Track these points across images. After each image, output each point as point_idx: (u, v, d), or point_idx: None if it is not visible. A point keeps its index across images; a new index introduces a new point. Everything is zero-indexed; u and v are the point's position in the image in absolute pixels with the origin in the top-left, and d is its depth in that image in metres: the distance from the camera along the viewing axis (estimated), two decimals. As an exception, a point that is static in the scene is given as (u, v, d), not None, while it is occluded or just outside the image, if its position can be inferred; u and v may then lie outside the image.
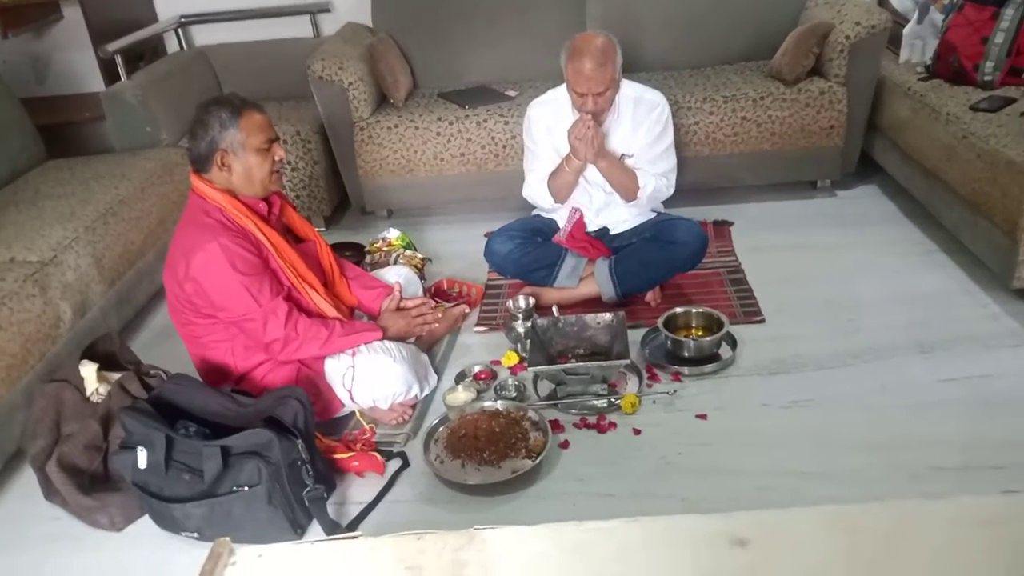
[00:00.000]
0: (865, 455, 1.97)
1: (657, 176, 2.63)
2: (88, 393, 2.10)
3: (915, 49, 3.24)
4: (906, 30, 3.23)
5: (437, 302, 2.68)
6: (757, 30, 3.50)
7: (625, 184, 2.60)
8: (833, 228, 3.12)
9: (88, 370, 2.11)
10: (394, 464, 2.08)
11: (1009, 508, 1.14)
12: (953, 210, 2.74)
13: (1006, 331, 2.38)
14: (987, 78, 2.86)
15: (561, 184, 2.63)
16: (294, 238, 2.31)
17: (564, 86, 2.56)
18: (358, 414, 2.22)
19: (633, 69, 3.39)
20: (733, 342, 2.42)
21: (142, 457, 1.85)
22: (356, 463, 2.05)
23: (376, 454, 2.07)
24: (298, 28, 3.94)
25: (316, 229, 2.44)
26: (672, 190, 2.72)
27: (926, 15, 3.20)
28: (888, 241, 2.97)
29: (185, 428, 1.86)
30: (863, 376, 2.26)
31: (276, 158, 2.10)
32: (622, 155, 2.61)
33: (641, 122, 2.60)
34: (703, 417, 2.15)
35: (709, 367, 2.33)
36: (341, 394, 2.16)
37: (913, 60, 3.24)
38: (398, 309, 2.38)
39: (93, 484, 2.00)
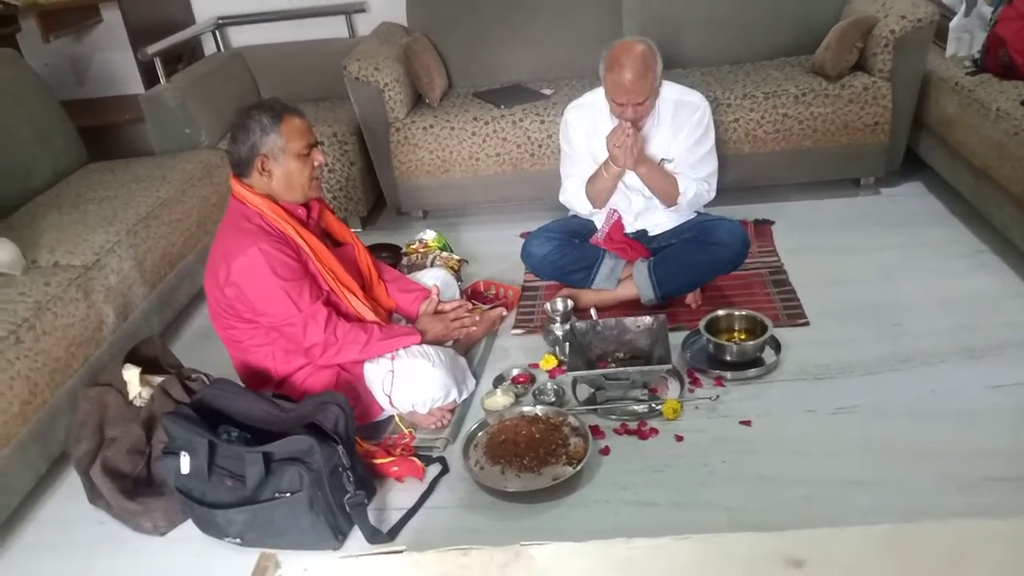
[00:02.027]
0: (913, 464, 1.92)
1: (698, 180, 2.58)
2: (131, 397, 2.12)
3: (962, 43, 3.15)
4: (953, 23, 3.15)
5: (474, 304, 2.67)
6: (798, 24, 3.43)
7: (665, 190, 2.56)
8: (877, 227, 3.05)
9: (131, 374, 2.13)
10: (433, 469, 2.07)
11: (1077, 530, 1.09)
12: (1004, 210, 2.66)
13: (1060, 336, 2.31)
14: (1039, 73, 2.78)
15: (600, 190, 2.59)
16: (332, 242, 2.31)
17: (601, 89, 2.51)
18: (397, 418, 2.21)
19: (671, 66, 3.34)
20: (777, 346, 2.37)
21: (185, 462, 1.86)
22: (396, 468, 2.04)
23: (415, 459, 2.07)
24: (334, 28, 3.94)
25: (353, 231, 2.44)
26: (713, 194, 2.67)
27: (974, 7, 3.11)
28: (935, 241, 2.89)
29: (227, 433, 1.86)
30: (910, 382, 2.20)
31: (316, 163, 2.10)
32: (662, 160, 2.57)
33: (681, 126, 2.55)
34: (747, 423, 2.12)
35: (752, 372, 2.29)
36: (380, 398, 2.16)
37: (960, 54, 3.15)
38: (436, 312, 2.38)
39: (137, 488, 2.02)
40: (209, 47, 4.06)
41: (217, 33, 3.99)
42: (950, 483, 1.85)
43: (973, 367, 2.23)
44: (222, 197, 3.01)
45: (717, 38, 3.51)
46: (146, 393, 2.12)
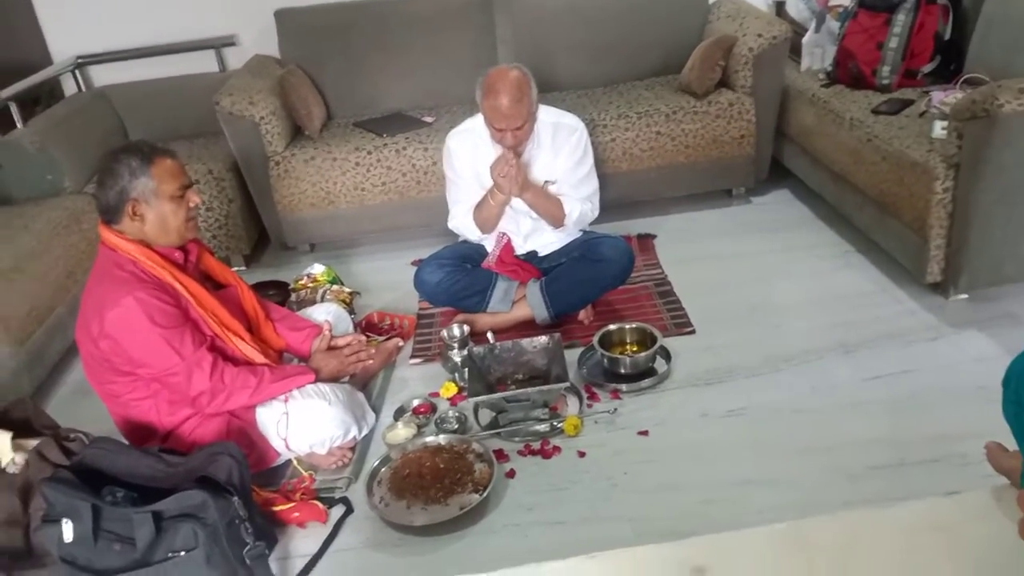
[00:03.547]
0: (803, 459, 2.01)
1: (582, 200, 2.64)
2: (3, 464, 1.97)
3: (815, 57, 3.36)
4: (805, 39, 3.35)
5: (369, 337, 2.63)
6: (664, 46, 3.57)
7: (551, 212, 2.61)
8: (751, 234, 3.20)
9: (1, 440, 1.98)
10: (337, 511, 2.02)
11: (960, 510, 1.17)
12: (864, 211, 2.84)
13: (923, 326, 2.48)
14: (885, 81, 2.99)
15: (487, 217, 2.62)
16: (214, 284, 2.23)
17: (480, 115, 2.54)
18: (295, 462, 2.15)
19: (546, 89, 3.41)
20: (667, 355, 2.45)
21: (68, 530, 1.74)
22: (297, 514, 1.98)
23: (317, 502, 2.01)
24: (203, 63, 3.81)
25: (236, 269, 2.37)
26: (597, 212, 2.73)
27: (823, 24, 3.33)
28: (804, 245, 3.06)
29: (112, 495, 1.75)
30: (793, 380, 2.31)
31: (191, 204, 2.02)
32: (545, 182, 2.61)
33: (560, 147, 2.61)
34: (645, 433, 2.17)
35: (646, 382, 2.35)
36: (276, 443, 2.09)
37: (814, 67, 3.36)
38: (329, 348, 2.33)
39: (15, 563, 1.87)
40: (70, 88, 3.86)
41: (77, 73, 3.79)
42: (838, 474, 1.94)
43: (849, 361, 2.36)
44: (91, 245, 2.85)
45: (588, 61, 3.61)
46: (20, 459, 1.97)
